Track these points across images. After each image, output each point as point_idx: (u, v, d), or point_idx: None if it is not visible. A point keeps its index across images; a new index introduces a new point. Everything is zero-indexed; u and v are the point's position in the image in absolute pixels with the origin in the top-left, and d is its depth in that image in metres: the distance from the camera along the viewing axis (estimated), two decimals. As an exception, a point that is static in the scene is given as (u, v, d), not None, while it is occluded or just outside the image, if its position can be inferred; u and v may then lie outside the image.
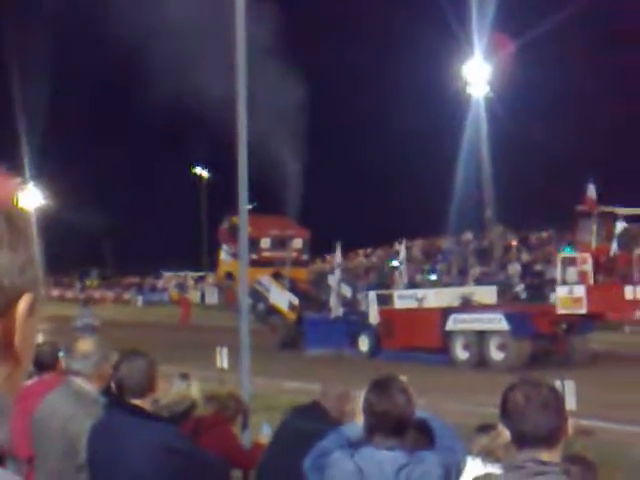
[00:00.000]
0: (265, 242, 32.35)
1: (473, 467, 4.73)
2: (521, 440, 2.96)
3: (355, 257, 51.83)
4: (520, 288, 30.13)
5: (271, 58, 33.66)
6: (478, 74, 43.47)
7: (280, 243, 33.11)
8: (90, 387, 4.77)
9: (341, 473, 3.79)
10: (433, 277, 35.60)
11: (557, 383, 5.38)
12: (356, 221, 61.00)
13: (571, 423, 3.10)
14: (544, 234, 39.71)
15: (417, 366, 19.60)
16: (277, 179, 36.84)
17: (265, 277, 28.85)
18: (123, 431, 4.19)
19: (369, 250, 50.44)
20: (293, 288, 30.39)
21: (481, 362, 22.06)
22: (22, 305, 1.04)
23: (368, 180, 71.00)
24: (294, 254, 33.07)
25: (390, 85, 63.97)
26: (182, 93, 37.47)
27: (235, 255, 33.21)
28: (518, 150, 43.87)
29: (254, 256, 26.10)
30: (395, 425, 3.74)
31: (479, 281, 32.01)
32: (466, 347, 22.63)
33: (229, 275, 33.23)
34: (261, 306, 29.24)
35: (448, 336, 23.01)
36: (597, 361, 21.81)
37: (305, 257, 34.97)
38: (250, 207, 10.13)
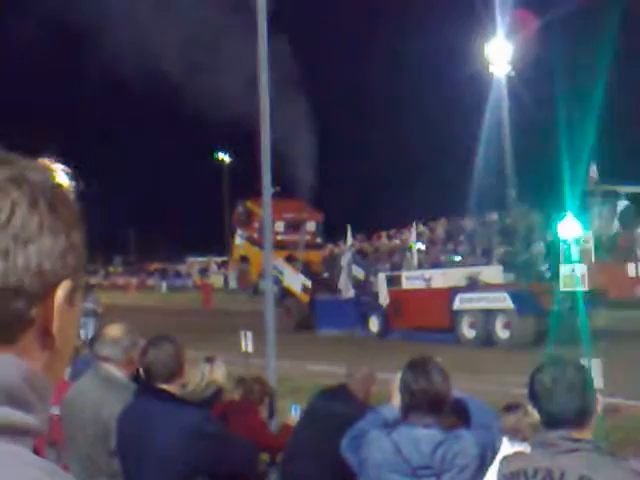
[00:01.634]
0: (279, 225, 32.33)
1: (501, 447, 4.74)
2: (550, 421, 2.96)
3: (378, 239, 51.66)
4: (544, 267, 29.95)
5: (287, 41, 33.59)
6: (500, 53, 43.16)
7: (294, 226, 33.14)
8: (119, 373, 4.80)
9: (378, 451, 3.83)
10: (457, 258, 35.43)
11: (583, 361, 5.38)
12: (379, 203, 60.93)
13: (600, 401, 3.10)
14: (568, 213, 39.40)
15: (425, 345, 19.76)
16: (293, 162, 36.81)
17: (278, 260, 28.94)
18: (152, 416, 4.23)
19: (392, 232, 50.29)
20: (306, 271, 30.58)
21: (487, 340, 22.44)
22: (61, 292, 1.06)
23: (390, 162, 70.79)
24: (308, 237, 33.13)
25: (411, 64, 63.67)
26: (204, 78, 37.46)
27: (249, 239, 33.30)
28: (541, 129, 43.53)
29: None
30: (431, 403, 3.78)
31: (503, 261, 31.87)
32: (472, 326, 23.06)
33: (243, 258, 33.32)
34: (275, 289, 29.32)
35: (455, 315, 23.45)
36: (619, 338, 21.79)
37: (319, 240, 35.06)
38: (273, 191, 10.13)
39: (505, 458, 3.24)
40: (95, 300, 25.72)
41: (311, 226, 34.35)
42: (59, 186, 1.10)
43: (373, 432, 3.92)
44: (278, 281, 28.74)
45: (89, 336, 19.33)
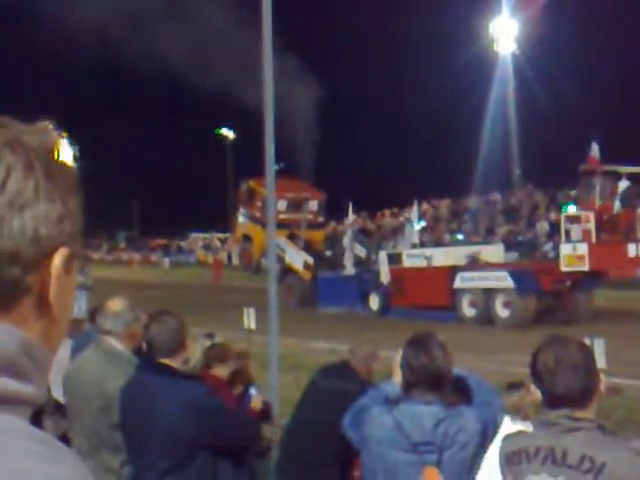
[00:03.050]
0: (281, 204, 32.38)
1: (502, 425, 4.74)
2: (553, 401, 2.95)
3: (382, 217, 51.69)
4: (548, 247, 29.96)
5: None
6: (505, 31, 43.00)
7: (296, 205, 33.19)
8: (121, 346, 4.80)
9: (380, 428, 3.82)
10: (460, 237, 35.45)
11: (586, 341, 5.37)
12: (384, 182, 60.91)
13: (603, 381, 3.08)
14: (572, 193, 39.43)
15: (425, 323, 19.85)
16: (296, 140, 36.82)
17: (281, 238, 29.02)
18: (153, 390, 4.23)
19: (396, 210, 50.30)
20: (308, 248, 30.69)
21: (487, 319, 22.44)
22: (58, 259, 1.04)
23: (395, 141, 70.76)
24: (310, 216, 33.18)
25: (416, 43, 63.44)
26: (209, 56, 37.42)
27: (252, 218, 33.37)
28: (545, 108, 43.45)
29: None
30: (433, 380, 3.77)
31: (506, 240, 31.92)
32: (473, 304, 23.04)
33: (246, 237, 33.40)
34: (277, 267, 29.38)
35: (455, 294, 23.41)
36: (620, 318, 21.86)
37: (321, 219, 35.16)
38: (276, 168, 10.10)
39: (507, 437, 3.22)
40: (86, 273, 25.60)
41: (313, 205, 34.43)
42: (56, 150, 1.07)
43: (374, 409, 3.91)
44: (280, 259, 28.81)
45: (82, 310, 19.37)
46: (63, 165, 1.08)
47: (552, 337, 3.12)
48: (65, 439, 4.64)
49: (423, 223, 34.30)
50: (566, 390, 2.92)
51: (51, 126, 1.09)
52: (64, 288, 1.05)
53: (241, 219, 35.39)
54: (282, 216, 31.35)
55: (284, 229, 30.07)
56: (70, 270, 1.06)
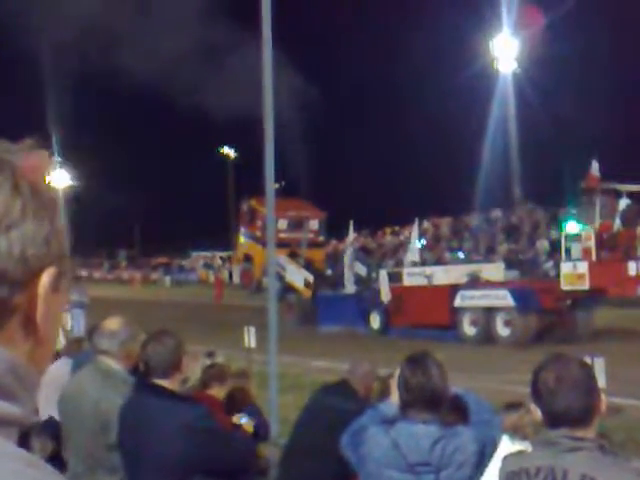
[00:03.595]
0: (282, 223, 32.42)
1: (501, 444, 4.72)
2: (554, 420, 2.93)
3: (383, 236, 51.71)
4: (549, 265, 29.95)
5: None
6: (506, 49, 43.12)
7: (297, 224, 33.25)
8: (118, 366, 4.77)
9: (377, 448, 3.81)
10: (461, 255, 35.43)
11: (586, 360, 5.35)
12: (385, 200, 60.93)
13: (604, 401, 3.07)
14: (573, 211, 39.42)
15: (426, 342, 19.80)
16: (296, 159, 36.91)
17: (281, 257, 29.03)
18: (150, 412, 4.21)
19: (397, 228, 50.32)
20: (308, 266, 30.72)
21: (488, 338, 22.41)
22: (45, 278, 1.03)
23: (396, 158, 70.81)
24: (310, 235, 33.22)
25: (417, 60, 63.65)
26: (209, 74, 37.59)
27: (253, 237, 33.43)
28: (546, 126, 43.56)
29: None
30: (429, 399, 3.76)
31: (507, 259, 31.91)
32: (473, 323, 23.02)
33: (247, 257, 33.45)
34: (277, 285, 29.39)
35: (456, 312, 23.38)
36: (620, 337, 21.83)
37: (321, 238, 35.20)
38: (277, 187, 10.11)
39: (507, 457, 3.20)
40: (82, 291, 25.62)
41: (314, 224, 34.50)
42: (42, 170, 1.07)
43: (372, 429, 3.90)
44: (280, 277, 28.82)
45: (81, 329, 19.33)
46: (50, 186, 1.07)
47: (553, 356, 3.10)
48: (53, 460, 4.62)
49: (424, 241, 34.28)
50: (567, 409, 2.90)
51: (37, 144, 1.09)
52: (51, 308, 1.05)
53: (242, 239, 35.52)
54: (282, 235, 31.38)
55: (284, 248, 30.12)
56: (58, 289, 1.06)
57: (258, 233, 32.53)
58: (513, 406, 5.16)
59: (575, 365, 3.00)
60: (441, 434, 3.72)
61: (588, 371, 3.02)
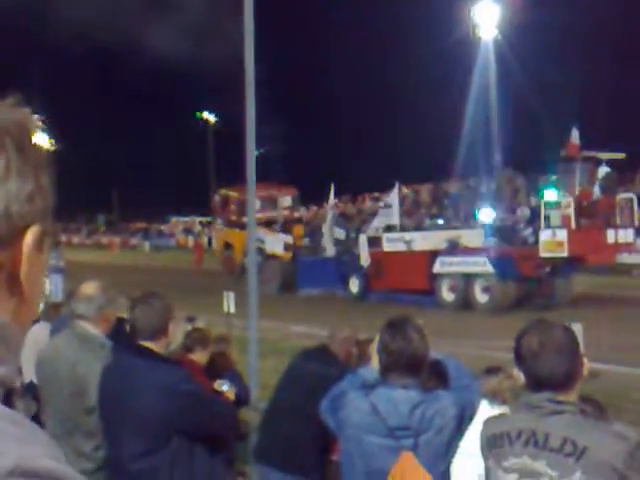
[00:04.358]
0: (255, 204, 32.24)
1: (480, 409, 4.76)
2: (536, 384, 2.95)
3: (363, 201, 51.77)
4: (528, 232, 30.03)
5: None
6: (487, 16, 42.96)
7: (269, 203, 33.09)
8: (95, 330, 4.76)
9: (356, 412, 3.82)
10: (440, 221, 35.48)
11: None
12: (366, 166, 60.89)
13: (586, 365, 3.08)
14: (553, 178, 39.50)
15: (404, 308, 19.87)
16: (277, 127, 36.74)
17: (259, 231, 29.01)
18: (132, 373, 4.20)
19: (377, 194, 50.34)
20: (285, 230, 30.75)
21: (467, 304, 22.57)
22: (29, 236, 1.02)
23: (377, 125, 70.68)
24: (285, 212, 33.17)
25: (397, 27, 63.32)
26: (190, 38, 37.34)
27: (228, 223, 33.32)
28: (527, 94, 43.50)
29: (245, 219, 26.30)
30: (409, 363, 3.76)
31: (486, 225, 31.97)
32: (452, 289, 23.16)
33: (227, 245, 33.35)
34: (259, 259, 29.42)
35: (435, 278, 23.51)
36: (598, 304, 22.01)
37: (297, 214, 35.17)
38: (257, 153, 10.05)
39: (488, 420, 3.22)
40: (60, 255, 25.46)
41: (287, 201, 34.44)
42: (27, 127, 1.05)
43: (351, 394, 3.91)
44: (261, 251, 28.70)
45: (59, 294, 19.24)
46: (34, 141, 1.06)
47: (537, 321, 3.12)
48: (36, 421, 4.61)
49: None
50: (550, 373, 2.91)
51: (20, 101, 1.07)
52: (35, 266, 1.03)
53: (219, 227, 35.46)
54: (257, 215, 31.27)
55: (261, 227, 30.04)
56: (42, 248, 1.05)
57: (233, 217, 32.51)
58: (492, 370, 5.20)
59: (558, 330, 3.01)
60: (421, 399, 3.73)
61: (571, 336, 3.03)
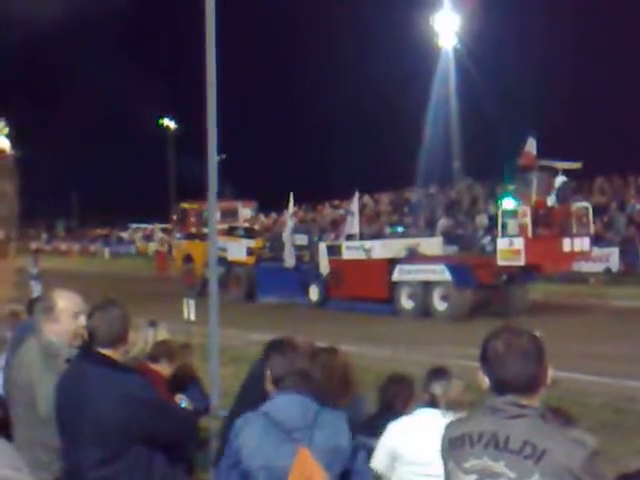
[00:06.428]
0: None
1: (435, 420, 4.81)
2: (501, 387, 2.97)
3: (322, 209, 51.87)
4: (486, 240, 30.25)
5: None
6: (447, 25, 43.30)
7: (229, 214, 33.04)
8: (57, 339, 4.71)
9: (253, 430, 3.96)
10: (400, 229, 35.64)
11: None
12: (325, 174, 60.87)
13: (551, 372, 3.12)
14: (511, 187, 39.81)
15: (364, 316, 19.85)
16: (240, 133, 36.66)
17: (220, 239, 28.87)
18: (90, 380, 4.16)
19: (336, 202, 50.44)
20: (248, 235, 30.79)
21: (425, 312, 22.71)
22: None
23: (336, 133, 70.66)
24: (245, 224, 33.17)
25: (357, 34, 63.50)
26: (151, 44, 37.10)
27: (188, 236, 33.19)
28: (486, 102, 43.83)
29: (206, 230, 26.23)
30: (300, 373, 3.97)
31: (446, 233, 32.17)
32: (411, 297, 23.27)
33: (187, 258, 33.20)
34: (221, 270, 29.33)
35: (394, 286, 23.61)
36: (554, 311, 22.25)
37: (257, 227, 35.25)
38: (219, 159, 10.02)
39: (451, 423, 3.24)
40: (35, 263, 25.93)
41: (246, 213, 34.45)
42: None
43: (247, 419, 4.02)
44: (223, 260, 28.58)
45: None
46: None
47: (504, 325, 3.15)
48: (6, 431, 4.57)
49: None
50: (515, 376, 2.94)
51: None
52: (0, 271, 1.03)
53: (178, 241, 35.31)
54: (219, 227, 31.13)
55: (223, 236, 29.92)
56: (6, 254, 1.04)
57: (193, 229, 32.44)
58: (440, 371, 5.25)
59: (525, 335, 3.04)
60: (315, 403, 3.87)
61: (538, 342, 3.06)
